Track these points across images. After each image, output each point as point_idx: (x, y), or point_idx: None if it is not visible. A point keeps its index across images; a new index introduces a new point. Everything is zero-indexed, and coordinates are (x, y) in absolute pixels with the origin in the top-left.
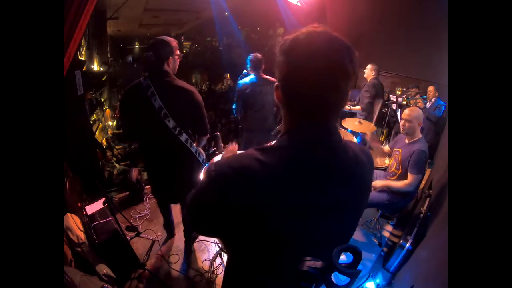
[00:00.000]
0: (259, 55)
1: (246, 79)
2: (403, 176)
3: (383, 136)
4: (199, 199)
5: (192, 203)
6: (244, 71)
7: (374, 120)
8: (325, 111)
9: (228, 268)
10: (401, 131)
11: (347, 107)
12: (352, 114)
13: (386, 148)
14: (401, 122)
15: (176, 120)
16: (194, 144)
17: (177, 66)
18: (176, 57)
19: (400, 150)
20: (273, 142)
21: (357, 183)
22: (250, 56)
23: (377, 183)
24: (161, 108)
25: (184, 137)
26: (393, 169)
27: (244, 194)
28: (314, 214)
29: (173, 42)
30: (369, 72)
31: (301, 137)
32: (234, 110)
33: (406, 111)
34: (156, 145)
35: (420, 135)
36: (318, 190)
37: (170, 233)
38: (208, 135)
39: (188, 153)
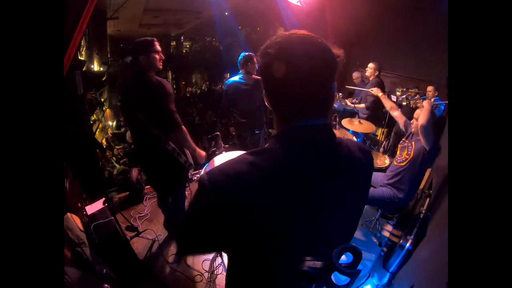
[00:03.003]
0: (246, 54)
1: (232, 79)
2: (413, 161)
3: (383, 136)
4: (194, 212)
5: (186, 218)
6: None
7: (386, 120)
8: (314, 109)
9: (229, 269)
10: (413, 130)
11: (350, 105)
12: (352, 114)
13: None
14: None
15: (144, 111)
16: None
17: (157, 64)
18: (154, 54)
19: (414, 143)
20: (266, 145)
21: (354, 181)
22: (241, 55)
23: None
24: (134, 101)
25: (155, 132)
26: (404, 155)
27: (240, 199)
28: (311, 213)
29: (148, 41)
30: (372, 71)
31: (292, 138)
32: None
33: (418, 111)
34: (134, 138)
35: None
36: (313, 189)
37: (172, 233)
38: (178, 130)
39: (154, 142)
